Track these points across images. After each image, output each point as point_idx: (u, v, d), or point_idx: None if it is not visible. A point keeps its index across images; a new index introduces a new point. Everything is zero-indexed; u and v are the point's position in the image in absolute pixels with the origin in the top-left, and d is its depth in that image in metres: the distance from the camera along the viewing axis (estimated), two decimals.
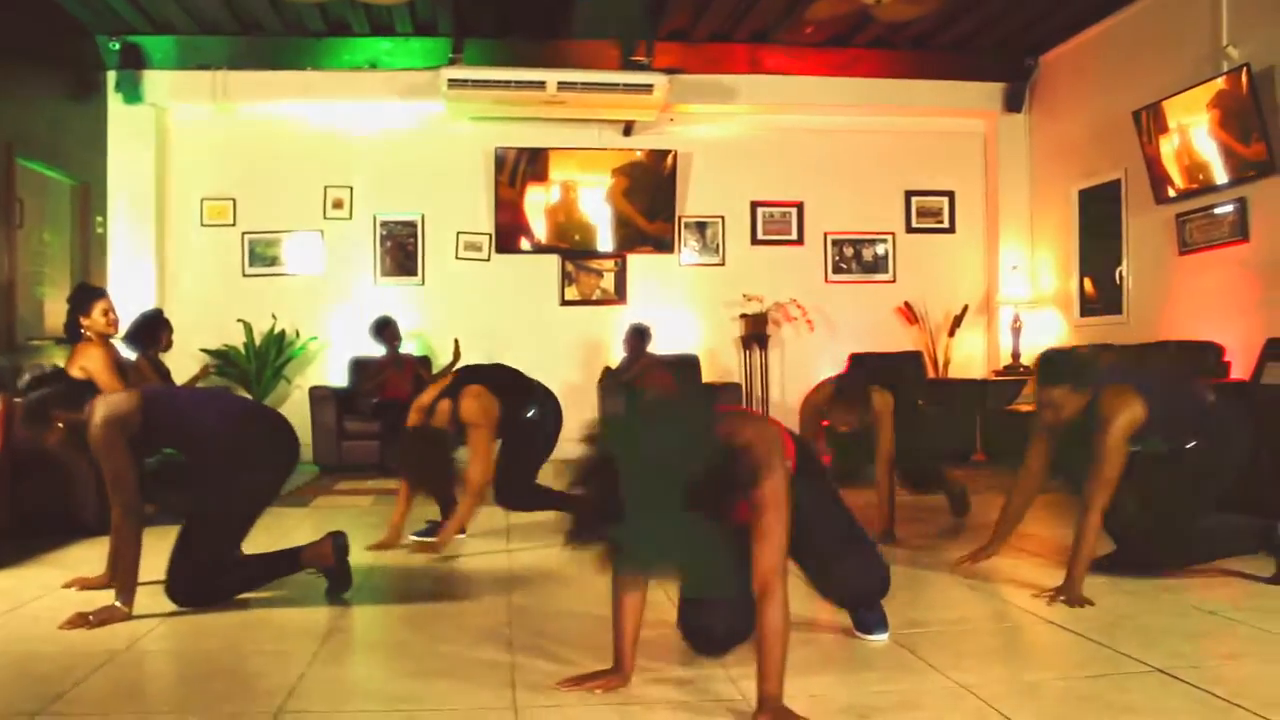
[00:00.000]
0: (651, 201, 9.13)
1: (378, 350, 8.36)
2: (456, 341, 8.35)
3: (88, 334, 5.50)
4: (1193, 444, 3.86)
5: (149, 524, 3.60)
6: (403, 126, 8.97)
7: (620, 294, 9.23)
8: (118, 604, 3.48)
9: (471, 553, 4.81)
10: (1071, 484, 3.82)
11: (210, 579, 3.68)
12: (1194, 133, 7.09)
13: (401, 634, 3.49)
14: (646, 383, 8.07)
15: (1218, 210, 7.05)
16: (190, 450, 3.73)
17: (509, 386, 4.93)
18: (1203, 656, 3.06)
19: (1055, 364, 3.87)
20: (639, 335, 8.49)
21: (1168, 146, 7.35)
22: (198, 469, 3.70)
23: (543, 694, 2.72)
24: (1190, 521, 3.99)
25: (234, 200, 8.82)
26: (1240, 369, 6.60)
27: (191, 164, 8.78)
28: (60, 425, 3.63)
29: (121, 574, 3.53)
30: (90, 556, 4.37)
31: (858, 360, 8.46)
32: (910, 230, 9.47)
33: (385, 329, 8.30)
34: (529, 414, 4.91)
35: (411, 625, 3.57)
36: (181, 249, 8.77)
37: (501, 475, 4.90)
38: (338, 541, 3.89)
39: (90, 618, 3.40)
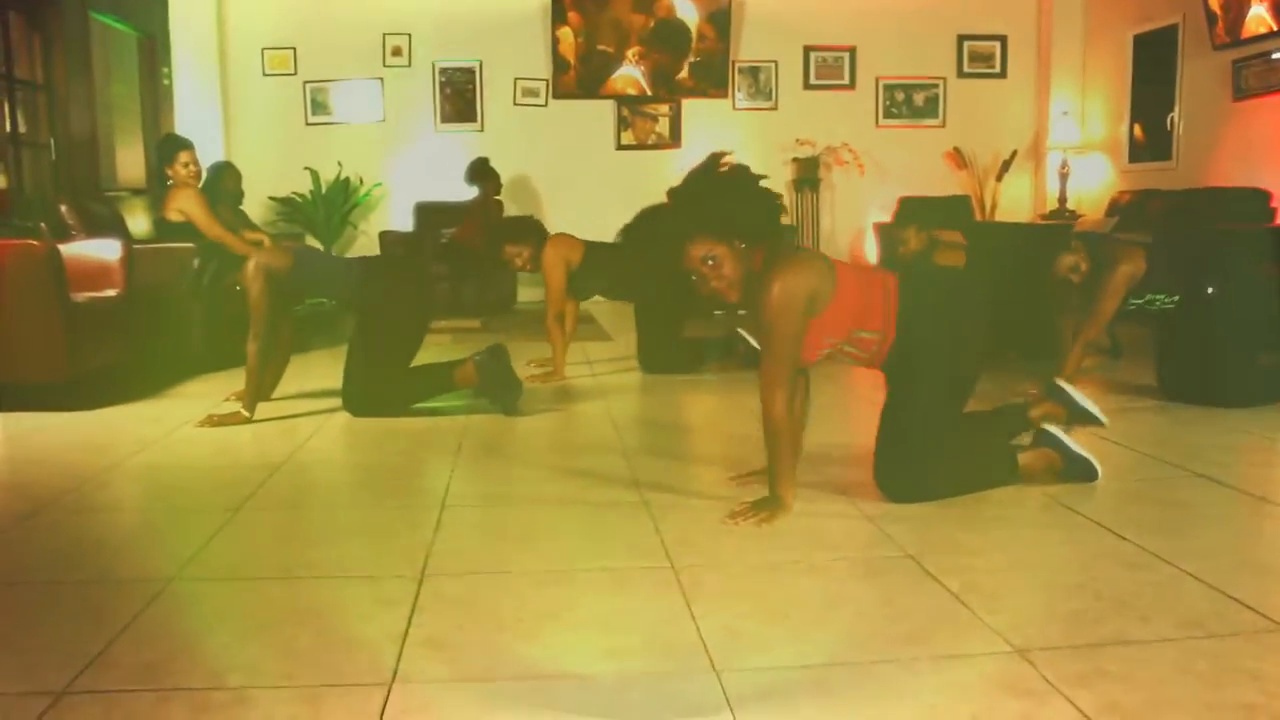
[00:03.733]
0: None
1: (438, 195, 8.63)
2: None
3: (171, 183, 5.70)
4: (1211, 290, 4.15)
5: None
6: None
7: (675, 139, 9.39)
8: (241, 410, 4.20)
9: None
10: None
11: (375, 393, 4.30)
12: None
13: (525, 444, 4.01)
14: None
15: (1276, 56, 7.14)
16: (334, 293, 4.37)
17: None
18: (1238, 465, 3.50)
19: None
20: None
21: None
22: (348, 304, 4.42)
23: (662, 492, 3.15)
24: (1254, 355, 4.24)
25: (294, 50, 8.92)
26: None
27: (251, 13, 8.85)
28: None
29: (248, 387, 4.21)
30: (207, 390, 4.91)
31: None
32: (961, 75, 9.51)
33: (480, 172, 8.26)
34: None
35: (531, 434, 4.13)
36: (245, 99, 8.93)
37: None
38: (480, 359, 4.33)
39: (215, 418, 4.16)
